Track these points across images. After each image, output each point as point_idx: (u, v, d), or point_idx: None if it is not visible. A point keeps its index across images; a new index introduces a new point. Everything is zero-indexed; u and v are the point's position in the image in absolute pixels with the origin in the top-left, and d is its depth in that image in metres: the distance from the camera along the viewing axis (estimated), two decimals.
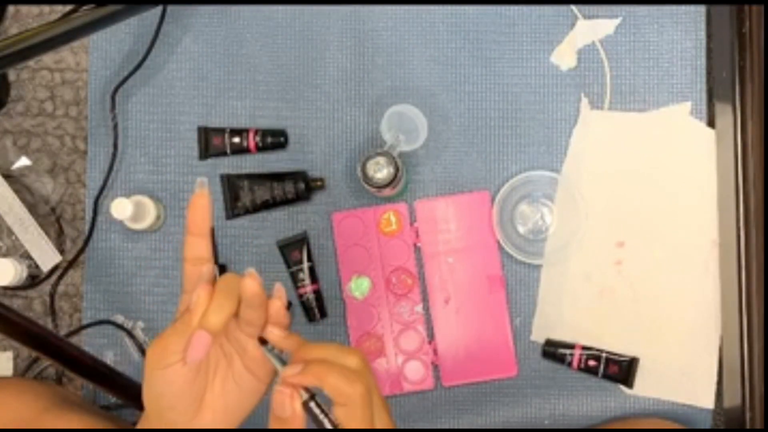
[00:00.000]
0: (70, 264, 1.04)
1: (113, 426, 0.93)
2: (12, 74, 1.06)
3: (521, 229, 1.02)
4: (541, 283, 1.02)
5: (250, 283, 0.57)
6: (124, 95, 1.04)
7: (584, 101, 1.02)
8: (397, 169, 0.92)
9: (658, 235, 1.01)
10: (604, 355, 0.99)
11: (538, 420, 1.01)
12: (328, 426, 0.57)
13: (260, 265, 1.02)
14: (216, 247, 1.02)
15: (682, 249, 1.01)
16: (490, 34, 1.04)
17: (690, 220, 1.01)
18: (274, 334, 0.60)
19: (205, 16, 1.05)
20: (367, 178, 0.93)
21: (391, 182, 0.92)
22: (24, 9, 1.06)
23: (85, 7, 0.90)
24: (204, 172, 1.04)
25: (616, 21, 1.03)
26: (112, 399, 1.02)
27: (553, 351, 1.00)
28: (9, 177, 1.04)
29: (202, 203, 0.59)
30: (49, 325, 1.04)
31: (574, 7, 1.03)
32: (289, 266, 1.02)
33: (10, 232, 1.03)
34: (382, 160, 0.93)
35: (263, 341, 0.60)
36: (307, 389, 0.58)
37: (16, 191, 1.03)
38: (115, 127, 1.03)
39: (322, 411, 0.58)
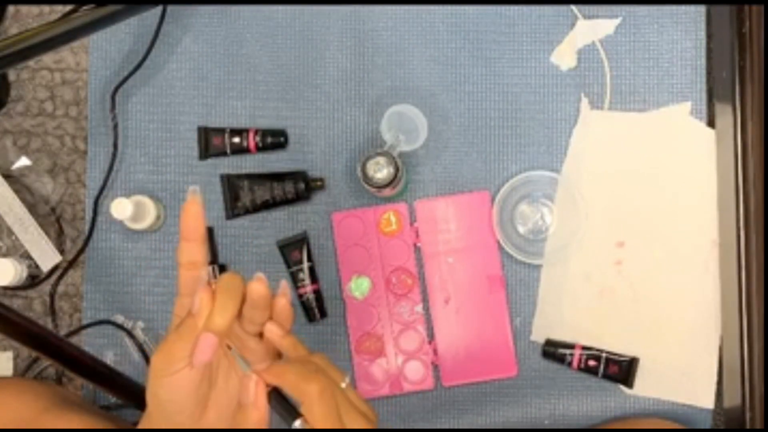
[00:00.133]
0: (70, 264, 1.04)
1: (113, 426, 0.93)
2: (12, 74, 1.06)
3: (521, 229, 1.02)
4: (541, 283, 1.02)
5: (258, 287, 0.57)
6: (124, 95, 1.04)
7: (584, 101, 1.02)
8: (397, 169, 0.92)
9: (658, 235, 1.01)
10: (604, 355, 0.99)
11: (538, 420, 1.01)
12: (289, 419, 0.58)
13: (260, 265, 1.02)
14: (216, 247, 1.04)
15: (682, 249, 1.01)
16: (490, 34, 1.04)
17: (690, 220, 1.01)
18: (273, 332, 0.60)
19: (205, 16, 1.05)
20: (367, 178, 0.93)
21: (391, 182, 0.92)
22: (24, 9, 1.06)
23: (85, 7, 0.90)
24: (204, 172, 1.04)
25: (616, 21, 1.03)
26: (112, 399, 1.02)
27: (553, 351, 1.00)
28: (9, 177, 1.04)
29: (195, 209, 0.59)
30: (49, 325, 1.04)
31: (574, 7, 1.03)
32: (289, 266, 1.02)
33: (10, 232, 1.03)
34: (382, 160, 0.92)
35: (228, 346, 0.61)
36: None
37: (16, 191, 1.03)
38: (115, 127, 1.03)
39: (286, 401, 0.58)
